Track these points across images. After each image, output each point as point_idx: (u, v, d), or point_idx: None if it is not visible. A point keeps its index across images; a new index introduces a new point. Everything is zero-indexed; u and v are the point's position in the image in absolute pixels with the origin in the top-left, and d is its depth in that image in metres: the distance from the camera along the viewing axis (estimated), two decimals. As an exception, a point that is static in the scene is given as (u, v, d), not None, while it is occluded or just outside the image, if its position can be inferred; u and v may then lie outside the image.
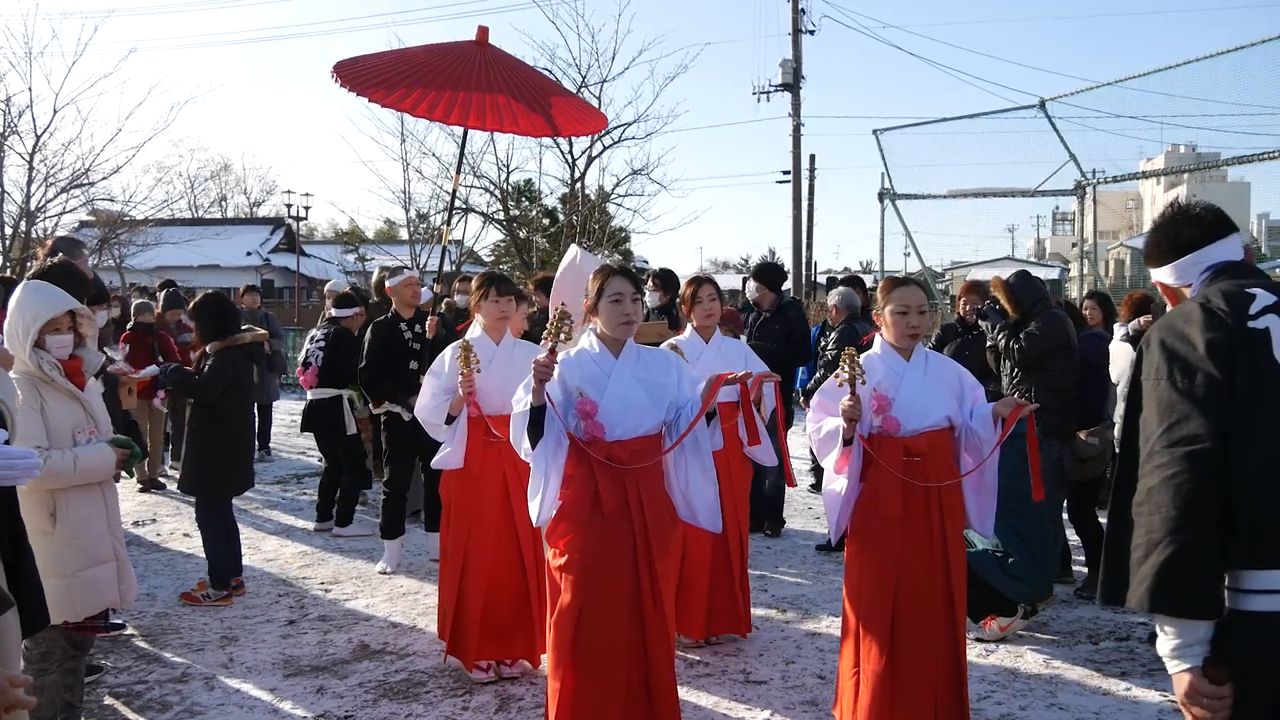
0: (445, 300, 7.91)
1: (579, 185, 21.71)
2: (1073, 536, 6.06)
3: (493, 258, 27.80)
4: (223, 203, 50.18)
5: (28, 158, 19.36)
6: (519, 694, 4.30)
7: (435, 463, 4.54)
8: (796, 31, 22.55)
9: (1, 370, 2.89)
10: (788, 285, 20.22)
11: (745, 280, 8.05)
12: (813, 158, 26.16)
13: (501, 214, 23.13)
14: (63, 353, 3.53)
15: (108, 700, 4.27)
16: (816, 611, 5.44)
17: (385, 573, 6.22)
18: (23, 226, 19.67)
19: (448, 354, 4.48)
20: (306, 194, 40.00)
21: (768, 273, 7.71)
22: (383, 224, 33.71)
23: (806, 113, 23.19)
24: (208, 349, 5.62)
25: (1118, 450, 2.12)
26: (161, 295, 9.94)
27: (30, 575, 2.58)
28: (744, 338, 6.35)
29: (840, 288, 8.07)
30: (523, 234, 24.14)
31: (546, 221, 25.33)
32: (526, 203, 25.54)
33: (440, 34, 60.99)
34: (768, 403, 4.69)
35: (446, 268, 12.26)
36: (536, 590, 4.38)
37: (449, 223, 7.24)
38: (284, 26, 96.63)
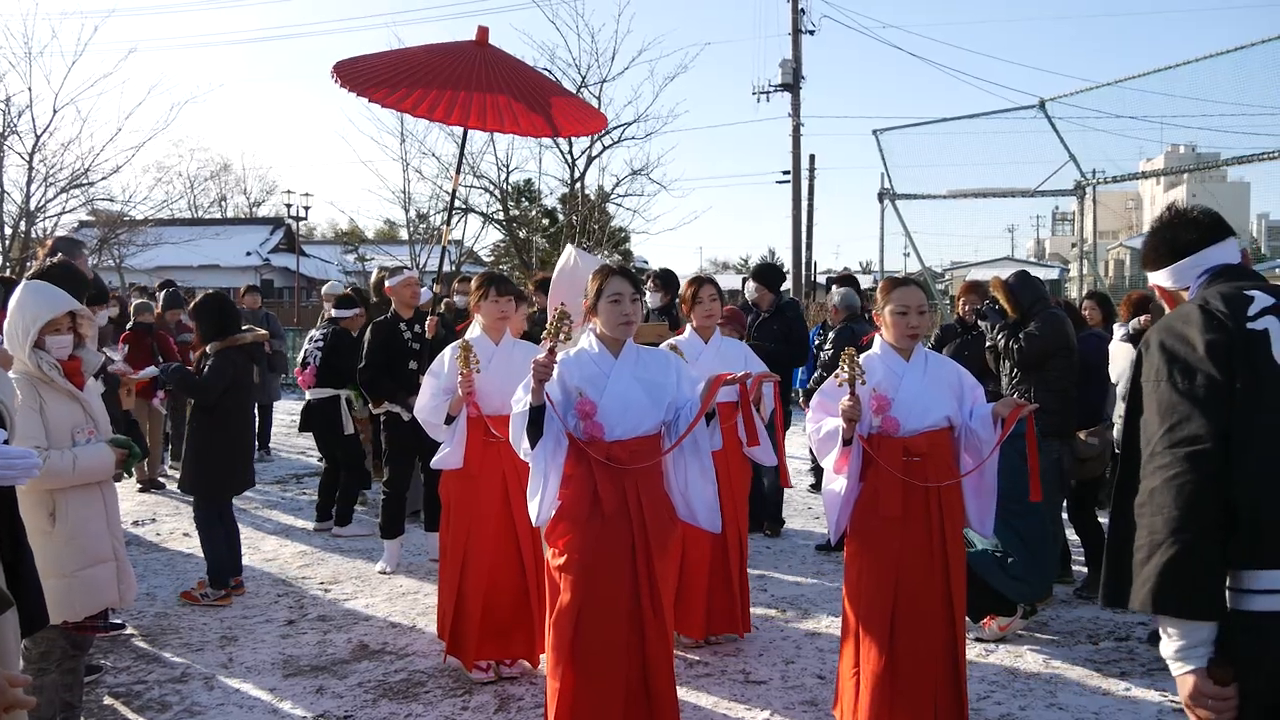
0: (444, 300, 7.91)
1: (579, 185, 21.71)
2: (1072, 536, 6.06)
3: (492, 258, 27.81)
4: (222, 203, 50.24)
5: (27, 158, 19.36)
6: (518, 694, 4.30)
7: (435, 463, 4.54)
8: (796, 31, 22.55)
9: (1, 370, 2.90)
10: (787, 285, 20.25)
11: (745, 280, 8.05)
12: (812, 158, 26.20)
13: (501, 214, 23.13)
14: (62, 353, 3.53)
15: (107, 700, 4.27)
16: (816, 611, 5.44)
17: (385, 573, 6.22)
18: (22, 226, 19.66)
19: (447, 354, 4.48)
20: (306, 194, 40.09)
21: (767, 273, 7.72)
22: (383, 224, 33.72)
23: (806, 113, 23.22)
24: (208, 349, 5.62)
25: (1118, 452, 2.12)
26: (161, 295, 9.94)
27: (29, 575, 2.58)
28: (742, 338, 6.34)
29: (842, 288, 8.07)
30: (522, 234, 24.14)
31: (546, 222, 25.33)
32: (526, 203, 25.55)
33: (440, 34, 61.04)
34: (767, 403, 4.69)
35: (446, 268, 12.27)
36: (536, 590, 4.38)
37: (449, 223, 7.24)
38: (284, 26, 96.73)
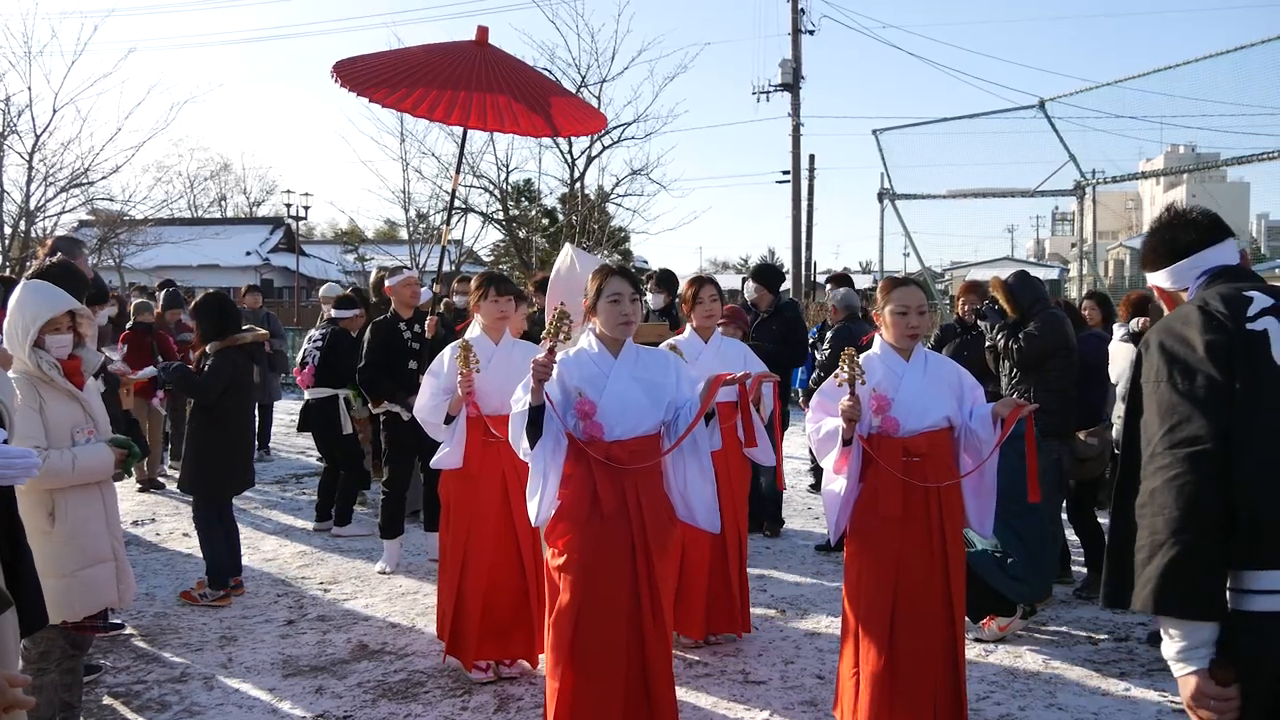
0: (444, 300, 7.91)
1: (578, 185, 21.70)
2: (1072, 537, 6.06)
3: (492, 258, 27.81)
4: (222, 202, 50.26)
5: (27, 157, 19.36)
6: (518, 694, 4.30)
7: (434, 462, 4.54)
8: (796, 31, 22.55)
9: (0, 370, 2.89)
10: (787, 285, 20.25)
11: (744, 280, 8.06)
12: (812, 158, 26.21)
13: (501, 214, 23.13)
14: (62, 352, 3.52)
15: (106, 700, 4.27)
16: (815, 612, 5.44)
17: (384, 573, 6.22)
18: (22, 226, 19.66)
19: (447, 354, 4.48)
20: (306, 194, 40.11)
21: (766, 274, 7.72)
22: (383, 224, 33.70)
23: (806, 113, 23.22)
24: (207, 349, 5.62)
25: (1119, 453, 2.12)
26: (161, 295, 9.94)
27: (29, 575, 2.58)
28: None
29: (842, 288, 8.08)
30: (522, 234, 24.13)
31: (546, 221, 25.33)
32: (526, 203, 25.54)
33: (440, 34, 61.03)
34: (766, 403, 4.69)
35: (446, 268, 12.27)
36: (535, 590, 4.38)
37: (448, 222, 7.24)
38: (283, 26, 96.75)
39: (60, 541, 3.49)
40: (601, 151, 21.40)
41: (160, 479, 9.04)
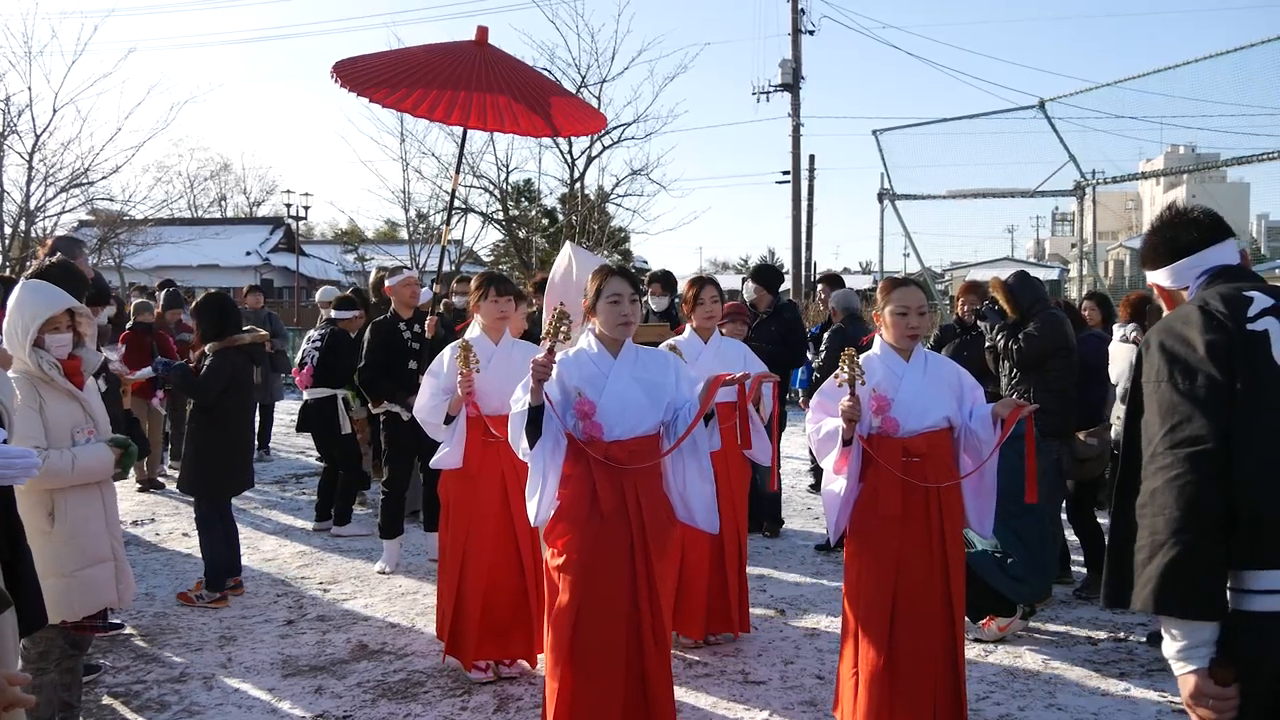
0: (444, 300, 7.92)
1: (578, 185, 21.71)
2: (1072, 537, 6.06)
3: (492, 258, 27.82)
4: (222, 202, 50.27)
5: (27, 157, 19.39)
6: (517, 694, 4.30)
7: (434, 462, 4.54)
8: (796, 32, 22.55)
9: (0, 370, 2.89)
10: (787, 285, 20.24)
11: (744, 281, 8.06)
12: (812, 158, 26.23)
13: (501, 214, 23.13)
14: (62, 352, 3.52)
15: (106, 700, 4.27)
16: (815, 612, 5.44)
17: (384, 573, 6.22)
18: (22, 226, 19.68)
19: (447, 354, 4.48)
20: (306, 194, 40.15)
21: (766, 274, 7.72)
22: (384, 224, 33.70)
23: (806, 113, 23.22)
24: (206, 349, 5.62)
25: (1119, 453, 2.12)
26: (161, 295, 9.94)
27: (28, 575, 2.58)
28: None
29: (838, 289, 8.08)
30: (522, 234, 24.14)
31: (546, 221, 25.34)
32: (526, 203, 25.55)
33: (440, 34, 61.04)
34: (766, 404, 4.69)
35: (446, 268, 12.27)
36: (535, 590, 4.38)
37: (448, 223, 7.24)
38: (283, 26, 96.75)
39: (60, 541, 3.49)
40: (601, 152, 21.45)
41: (160, 479, 9.04)
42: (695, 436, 3.38)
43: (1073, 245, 19.07)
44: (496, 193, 22.41)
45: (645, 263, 30.67)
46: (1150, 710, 4.13)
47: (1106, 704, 4.19)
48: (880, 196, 14.32)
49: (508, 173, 22.19)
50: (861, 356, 3.53)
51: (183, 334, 9.21)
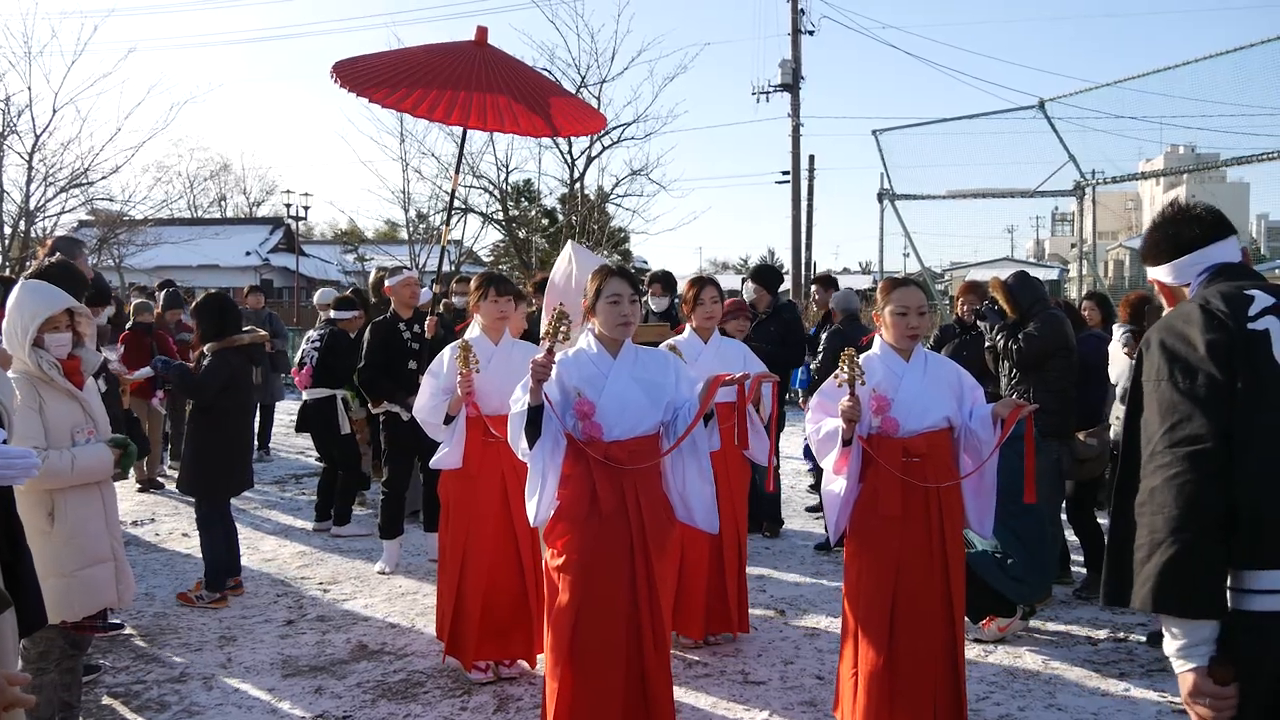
0: (443, 301, 7.92)
1: (578, 185, 21.70)
2: (1072, 537, 6.06)
3: (492, 258, 27.81)
4: (222, 203, 50.25)
5: (27, 157, 19.38)
6: (517, 694, 4.30)
7: (434, 463, 4.54)
8: (796, 32, 22.54)
9: (0, 370, 2.89)
10: (786, 286, 20.23)
11: (744, 281, 8.07)
12: (812, 158, 26.15)
13: (501, 214, 23.13)
14: (61, 352, 3.52)
15: (106, 700, 4.27)
16: (815, 612, 5.44)
17: (384, 573, 6.22)
18: (22, 226, 19.67)
19: (446, 354, 4.48)
20: (306, 194, 40.09)
21: (765, 274, 7.73)
22: (383, 225, 33.69)
23: (806, 113, 23.23)
24: (205, 349, 5.62)
25: (1118, 452, 2.12)
26: (161, 295, 9.94)
27: (28, 575, 2.58)
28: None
29: (840, 290, 8.08)
30: (522, 234, 24.13)
31: (546, 222, 25.34)
32: (526, 203, 25.55)
33: (439, 34, 61.05)
34: (766, 404, 4.69)
35: (446, 268, 12.27)
36: (535, 590, 4.38)
37: (448, 223, 7.24)
38: (283, 26, 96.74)
39: (60, 541, 3.49)
40: (601, 152, 21.43)
41: (160, 479, 9.04)
42: (695, 436, 3.38)
43: (1072, 245, 19.07)
44: (496, 193, 22.40)
45: (645, 263, 30.67)
46: (1150, 710, 4.13)
47: (1106, 704, 4.19)
48: (880, 196, 14.31)
49: (507, 173, 22.21)
50: (861, 356, 3.53)
51: (183, 334, 9.21)
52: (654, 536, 3.27)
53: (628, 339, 3.40)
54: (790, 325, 7.24)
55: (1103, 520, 5.48)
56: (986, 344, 5.74)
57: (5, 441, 2.50)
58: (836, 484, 3.61)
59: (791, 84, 22.52)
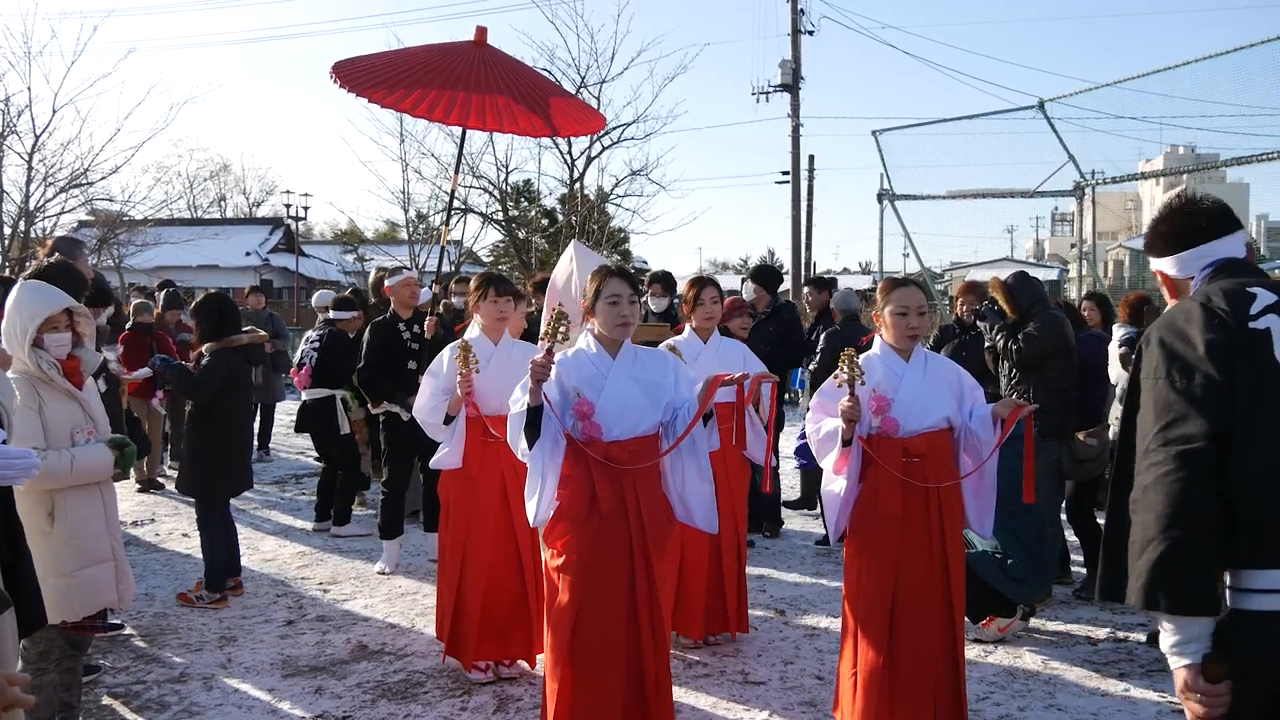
0: (443, 301, 7.93)
1: (578, 186, 21.70)
2: (1071, 537, 6.06)
3: (491, 258, 27.81)
4: (222, 203, 50.24)
5: (27, 157, 19.37)
6: (517, 694, 4.30)
7: (434, 463, 4.54)
8: (795, 32, 22.54)
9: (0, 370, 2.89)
10: (786, 286, 20.23)
11: (744, 281, 8.08)
12: (812, 158, 26.16)
13: (500, 214, 23.12)
14: (61, 352, 3.52)
15: (106, 700, 4.27)
16: (815, 612, 5.44)
17: (384, 573, 6.22)
18: (22, 226, 19.67)
19: (446, 354, 4.48)
20: (305, 194, 40.08)
21: (764, 274, 7.73)
22: (383, 225, 33.67)
23: (805, 113, 23.24)
24: (204, 349, 5.62)
25: (1116, 448, 2.12)
26: (161, 295, 9.94)
27: (28, 576, 2.58)
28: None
29: (842, 289, 8.09)
30: (521, 234, 24.12)
31: (545, 222, 25.33)
32: (525, 203, 25.54)
33: (439, 34, 61.00)
34: (766, 403, 4.69)
35: (445, 268, 12.27)
36: (535, 590, 4.38)
37: (448, 223, 7.24)
38: (282, 27, 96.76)
39: (60, 541, 3.49)
40: (601, 152, 21.41)
41: (160, 479, 9.04)
42: (694, 436, 3.38)
43: (1072, 245, 19.07)
44: (496, 193, 22.39)
45: (645, 263, 30.68)
46: (1150, 710, 4.13)
47: (1106, 704, 4.19)
48: (880, 197, 14.31)
49: (507, 173, 22.19)
50: (861, 357, 3.53)
51: (183, 334, 9.21)
52: (654, 537, 3.27)
53: (627, 339, 3.40)
54: (789, 325, 7.24)
55: (1102, 520, 5.47)
56: (986, 344, 5.74)
57: (5, 442, 2.50)
58: (836, 484, 3.61)
59: (791, 84, 22.51)
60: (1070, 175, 13.38)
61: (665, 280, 7.60)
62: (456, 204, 19.56)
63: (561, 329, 3.35)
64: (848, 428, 3.47)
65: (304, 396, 7.59)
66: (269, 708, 4.19)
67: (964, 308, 6.45)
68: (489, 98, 5.70)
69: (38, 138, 19.24)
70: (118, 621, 5.05)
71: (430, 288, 6.63)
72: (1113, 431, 5.62)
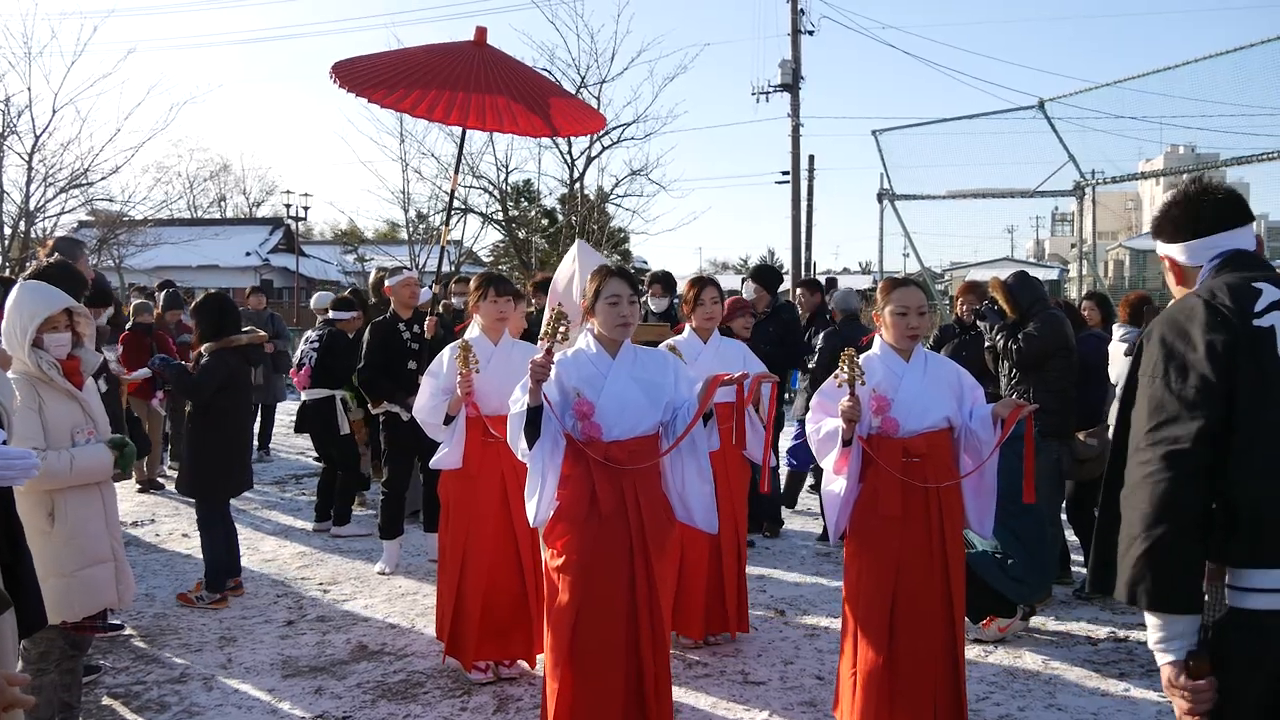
0: (442, 302, 7.93)
1: (578, 186, 21.69)
2: (1072, 537, 6.06)
3: (491, 258, 27.82)
4: (222, 203, 50.26)
5: (27, 158, 19.39)
6: (517, 694, 4.30)
7: (434, 463, 4.54)
8: (796, 32, 22.54)
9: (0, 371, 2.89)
10: (786, 286, 20.22)
11: (744, 281, 8.08)
12: (812, 158, 26.16)
13: (500, 214, 23.12)
14: (61, 352, 3.52)
15: (106, 700, 4.27)
16: (815, 612, 5.44)
17: (384, 573, 6.21)
18: (22, 226, 19.67)
19: (446, 354, 4.48)
20: (305, 194, 40.08)
21: (765, 274, 7.73)
22: (383, 225, 33.67)
23: (805, 113, 23.22)
24: (202, 349, 5.62)
25: (1112, 442, 2.13)
26: (161, 296, 9.94)
27: (28, 576, 2.58)
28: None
29: (842, 288, 8.09)
30: (521, 234, 24.12)
31: (545, 222, 25.35)
32: (525, 203, 25.55)
33: (439, 34, 61.02)
34: (766, 403, 4.69)
35: (445, 268, 12.27)
36: (535, 590, 4.38)
37: (448, 223, 7.24)
38: (283, 27, 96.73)
39: (60, 542, 3.49)
40: (601, 152, 21.41)
41: (160, 479, 9.03)
42: (694, 436, 3.38)
43: (1072, 245, 19.07)
44: (496, 193, 22.39)
45: (645, 263, 30.69)
46: (1150, 710, 4.13)
47: (1106, 704, 4.19)
48: (880, 197, 14.31)
49: (507, 173, 22.20)
50: (861, 357, 3.53)
51: (183, 335, 9.20)
52: (653, 537, 3.27)
53: (627, 339, 3.40)
54: (789, 326, 7.23)
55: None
56: (986, 344, 5.73)
57: (5, 442, 2.50)
58: (836, 484, 3.61)
59: (791, 84, 22.51)
60: (1070, 175, 13.38)
61: (665, 280, 7.60)
62: (456, 204, 19.57)
63: (561, 329, 3.35)
64: (848, 428, 3.47)
65: (303, 397, 7.59)
66: (269, 708, 4.19)
67: (964, 308, 6.45)
68: (489, 98, 5.70)
69: (38, 138, 19.28)
70: (118, 622, 5.05)
71: (430, 288, 6.63)
72: (1112, 431, 5.62)
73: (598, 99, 20.04)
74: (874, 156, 14.44)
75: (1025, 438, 3.56)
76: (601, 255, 5.80)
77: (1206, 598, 1.97)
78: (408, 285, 6.56)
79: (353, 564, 6.48)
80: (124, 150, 34.28)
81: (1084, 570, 5.88)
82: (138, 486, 8.75)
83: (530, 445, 3.24)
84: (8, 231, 19.90)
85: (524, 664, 4.54)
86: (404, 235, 24.65)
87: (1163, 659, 1.95)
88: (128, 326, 8.82)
